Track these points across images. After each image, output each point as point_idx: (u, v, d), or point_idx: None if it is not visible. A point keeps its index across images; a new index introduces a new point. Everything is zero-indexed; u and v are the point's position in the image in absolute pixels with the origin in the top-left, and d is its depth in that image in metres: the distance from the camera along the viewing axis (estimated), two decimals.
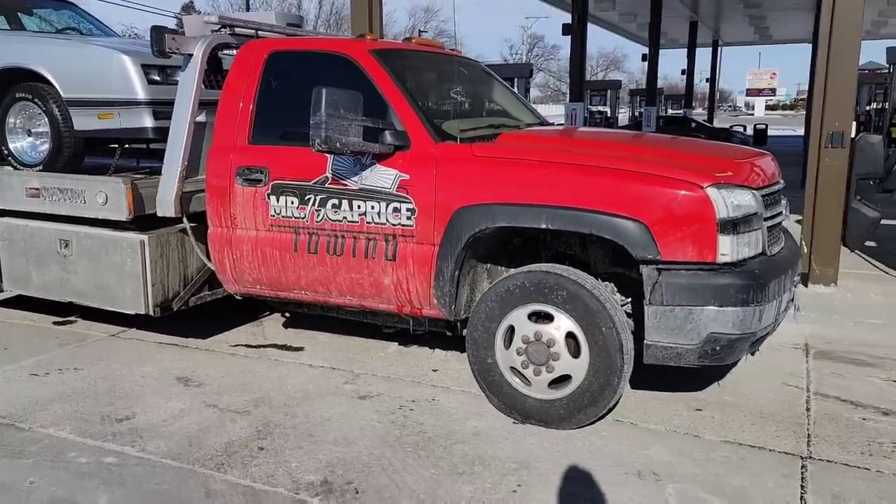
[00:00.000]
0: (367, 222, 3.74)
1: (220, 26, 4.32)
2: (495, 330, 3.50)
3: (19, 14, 6.06)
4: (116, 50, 4.54)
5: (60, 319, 5.24)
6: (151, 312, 4.26)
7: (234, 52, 4.54)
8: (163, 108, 4.58)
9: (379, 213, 3.71)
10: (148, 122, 4.54)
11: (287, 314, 5.31)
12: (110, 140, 5.12)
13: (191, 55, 4.18)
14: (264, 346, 4.68)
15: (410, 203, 3.63)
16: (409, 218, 3.64)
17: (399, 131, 3.67)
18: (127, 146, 5.36)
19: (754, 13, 24.62)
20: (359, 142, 3.51)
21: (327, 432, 3.40)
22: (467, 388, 3.92)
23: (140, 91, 4.48)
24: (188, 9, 47.01)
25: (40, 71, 4.66)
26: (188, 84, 4.16)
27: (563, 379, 3.36)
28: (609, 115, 25.28)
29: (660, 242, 3.10)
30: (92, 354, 4.49)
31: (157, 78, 4.58)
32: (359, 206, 3.75)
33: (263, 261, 4.04)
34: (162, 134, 4.63)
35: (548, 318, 3.38)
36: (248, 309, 5.07)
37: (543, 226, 3.33)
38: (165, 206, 4.16)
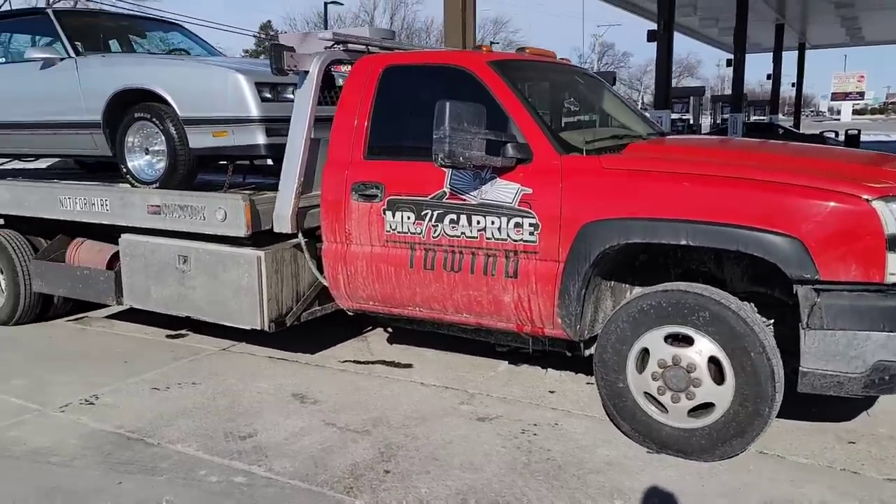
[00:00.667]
0: (487, 238, 3.63)
1: (333, 43, 4.32)
2: (627, 352, 3.31)
3: (133, 37, 6.31)
4: (231, 69, 4.61)
5: (173, 333, 5.36)
6: (266, 328, 4.27)
7: (338, 68, 4.56)
8: (274, 125, 4.63)
9: (499, 229, 3.59)
10: (260, 139, 4.58)
11: (390, 329, 5.26)
12: (222, 157, 5.23)
13: (306, 72, 4.19)
14: (372, 363, 4.63)
15: (533, 218, 3.50)
16: (531, 233, 3.51)
17: (521, 144, 3.56)
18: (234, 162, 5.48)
19: (846, 13, 23.46)
20: (482, 155, 3.41)
21: (452, 456, 3.29)
22: (590, 412, 3.74)
23: (253, 109, 4.52)
24: (266, 28, 48.65)
25: (159, 91, 4.78)
26: (304, 101, 4.17)
27: (705, 407, 3.15)
28: (692, 122, 24.54)
29: (818, 261, 2.86)
30: (207, 369, 4.55)
31: (268, 95, 4.62)
32: (478, 222, 3.65)
33: (378, 277, 3.98)
34: (273, 151, 4.67)
35: (686, 340, 3.17)
36: (351, 323, 5.04)
37: (683, 242, 3.13)
38: (282, 222, 4.17)
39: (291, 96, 4.78)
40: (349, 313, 4.36)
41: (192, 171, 4.96)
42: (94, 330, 5.56)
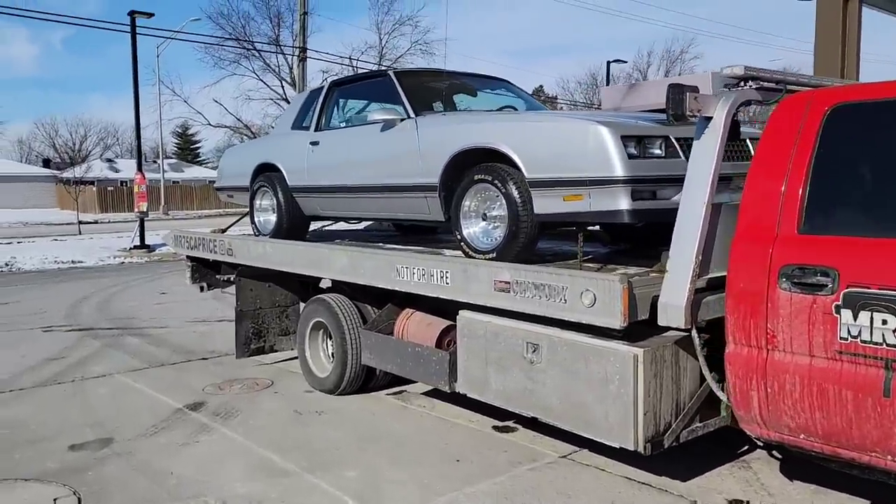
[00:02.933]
0: None
1: (741, 80, 3.31)
2: None
3: (463, 95, 5.98)
4: (592, 121, 3.84)
5: (500, 424, 4.65)
6: (641, 449, 3.29)
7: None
8: (641, 187, 3.76)
9: None
10: (623, 203, 3.72)
11: (777, 453, 3.95)
12: (571, 224, 4.49)
13: (707, 119, 3.23)
14: None
15: None
16: None
17: None
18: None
19: None
20: None
21: None
22: None
23: (618, 167, 3.68)
24: (538, 92, 49.60)
25: (504, 150, 4.19)
26: (706, 154, 3.21)
27: None
28: None
29: None
30: (553, 485, 3.69)
31: (634, 151, 3.77)
32: None
33: (822, 402, 2.78)
34: (637, 217, 3.80)
35: None
36: (714, 437, 3.77)
37: None
38: (672, 313, 3.19)
39: (659, 151, 3.91)
40: (757, 442, 3.20)
41: (533, 239, 4.28)
42: (415, 409, 5.09)
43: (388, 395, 5.45)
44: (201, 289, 7.33)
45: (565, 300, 3.52)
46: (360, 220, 6.64)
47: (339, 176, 5.59)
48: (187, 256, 7.07)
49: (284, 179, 6.07)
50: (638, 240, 5.29)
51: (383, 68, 6.88)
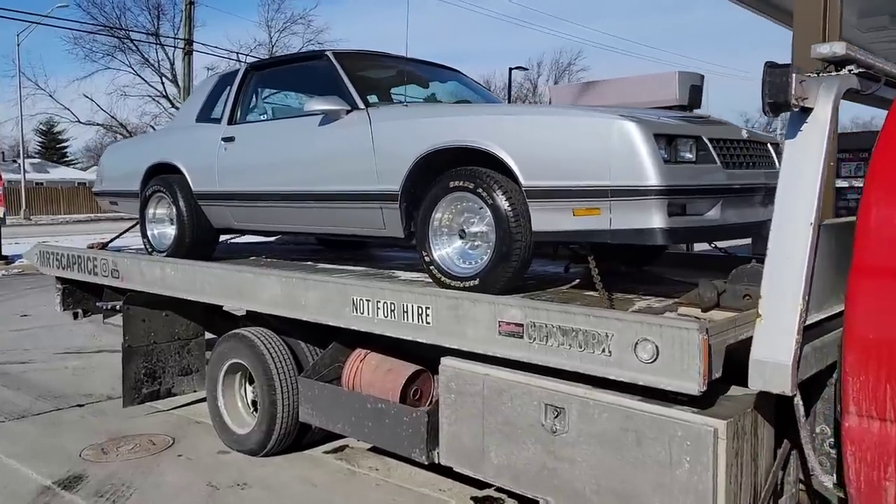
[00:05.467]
0: None
1: (840, 63, 2.54)
2: None
3: (414, 87, 5.00)
4: (615, 116, 3.00)
5: (479, 494, 3.71)
6: None
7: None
8: (678, 200, 2.97)
9: None
10: (657, 220, 2.91)
11: None
12: (577, 244, 3.62)
13: (804, 111, 2.44)
14: None
15: None
16: None
17: None
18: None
19: None
20: None
21: None
22: None
23: (651, 174, 2.87)
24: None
25: (494, 151, 3.27)
26: (811, 158, 2.39)
27: None
28: None
29: None
30: None
31: (665, 155, 2.97)
32: None
33: None
34: (672, 238, 3.01)
35: None
36: None
37: None
38: (775, 374, 2.33)
39: (690, 155, 3.15)
40: None
41: (526, 263, 3.40)
42: (365, 475, 4.04)
43: (326, 453, 4.37)
44: (75, 316, 5.95)
45: (609, 352, 2.60)
46: (286, 234, 5.50)
47: (261, 180, 4.48)
48: (58, 278, 5.64)
49: (187, 183, 4.87)
50: (624, 259, 4.52)
51: (318, 49, 5.74)
